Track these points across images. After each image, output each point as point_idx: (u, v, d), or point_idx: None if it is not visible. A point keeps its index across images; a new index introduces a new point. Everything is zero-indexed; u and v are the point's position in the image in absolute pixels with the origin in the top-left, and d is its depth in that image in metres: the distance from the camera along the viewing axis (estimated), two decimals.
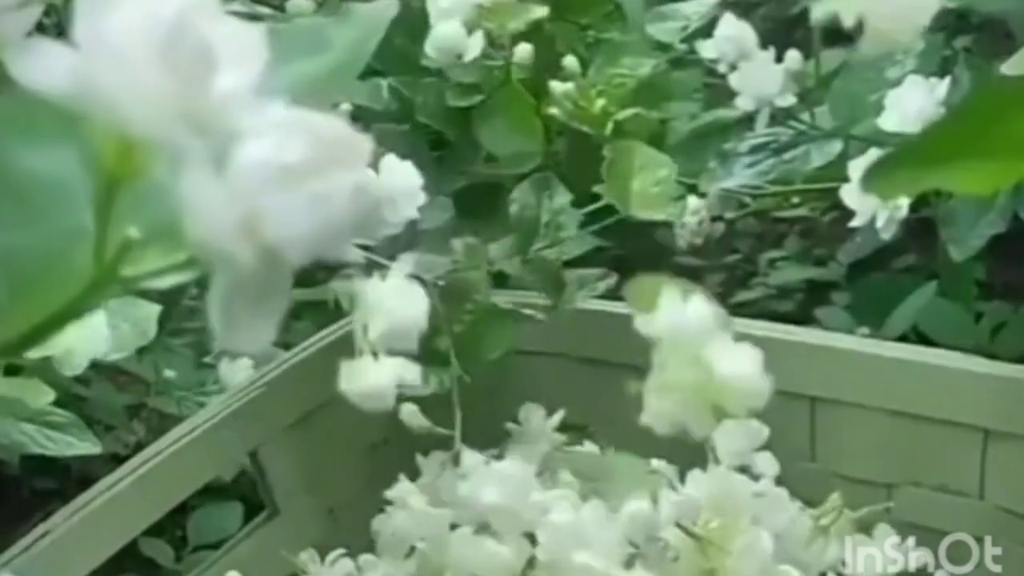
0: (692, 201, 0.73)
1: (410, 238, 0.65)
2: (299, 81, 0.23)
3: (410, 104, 0.71)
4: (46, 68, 0.18)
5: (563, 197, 0.66)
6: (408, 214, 0.63)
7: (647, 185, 0.65)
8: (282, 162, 0.18)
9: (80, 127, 0.20)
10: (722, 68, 0.70)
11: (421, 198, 0.63)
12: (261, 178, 0.18)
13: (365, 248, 0.59)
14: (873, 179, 0.25)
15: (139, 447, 0.66)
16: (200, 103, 0.18)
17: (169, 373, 0.77)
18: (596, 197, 0.65)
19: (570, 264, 0.69)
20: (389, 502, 0.64)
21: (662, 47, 0.76)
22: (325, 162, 0.18)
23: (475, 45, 0.67)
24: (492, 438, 0.71)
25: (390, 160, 0.63)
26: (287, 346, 0.69)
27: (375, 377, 0.47)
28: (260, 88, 0.19)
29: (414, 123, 0.72)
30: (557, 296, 0.65)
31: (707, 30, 0.73)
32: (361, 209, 0.18)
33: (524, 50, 0.68)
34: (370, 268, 0.64)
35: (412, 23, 0.68)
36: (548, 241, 0.65)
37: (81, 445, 0.62)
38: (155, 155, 0.20)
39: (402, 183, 0.62)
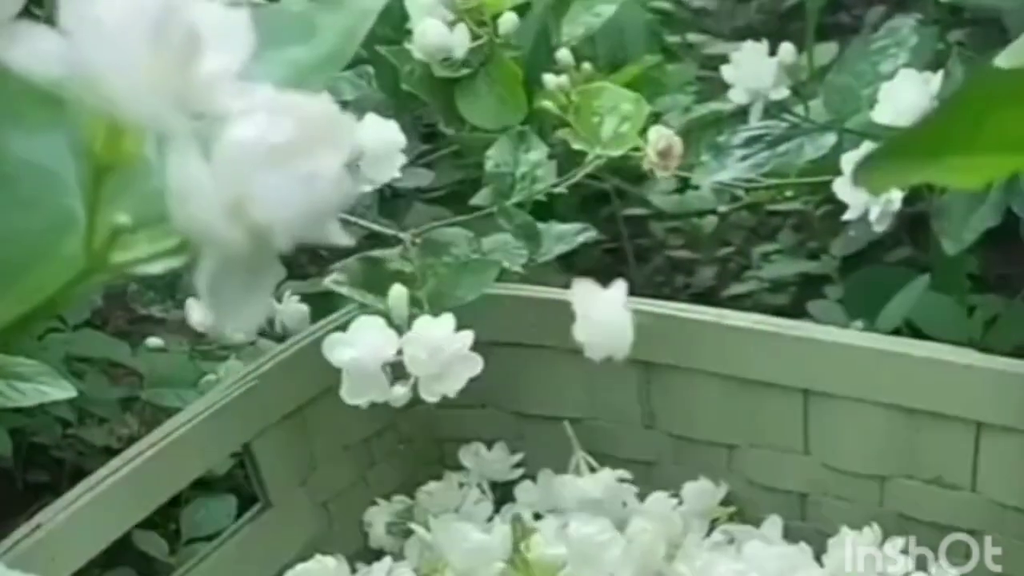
0: (653, 131, 0.69)
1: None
2: (290, 67, 0.23)
3: (395, 72, 0.71)
4: (35, 52, 0.18)
5: (540, 152, 0.67)
6: (390, 174, 0.63)
7: (615, 126, 0.65)
8: (269, 142, 0.18)
9: (68, 114, 0.20)
10: None
11: (401, 158, 0.63)
12: (248, 158, 0.18)
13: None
14: (863, 174, 0.25)
15: (132, 440, 0.65)
16: (187, 85, 0.19)
17: (162, 366, 0.77)
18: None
19: (562, 257, 0.69)
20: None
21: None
22: (311, 142, 0.18)
23: (461, 41, 0.67)
24: (492, 429, 0.71)
25: (372, 119, 0.63)
26: (280, 339, 0.69)
27: None
28: (247, 72, 0.19)
29: (398, 91, 0.72)
30: (534, 246, 0.65)
31: None
32: (346, 188, 0.18)
33: (508, 20, 0.68)
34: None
35: (391, 9, 0.68)
36: (525, 194, 0.65)
37: (54, 391, 0.59)
38: (143, 141, 0.20)
39: (384, 142, 0.62)
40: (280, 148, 0.18)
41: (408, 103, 0.73)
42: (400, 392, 0.58)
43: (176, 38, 0.18)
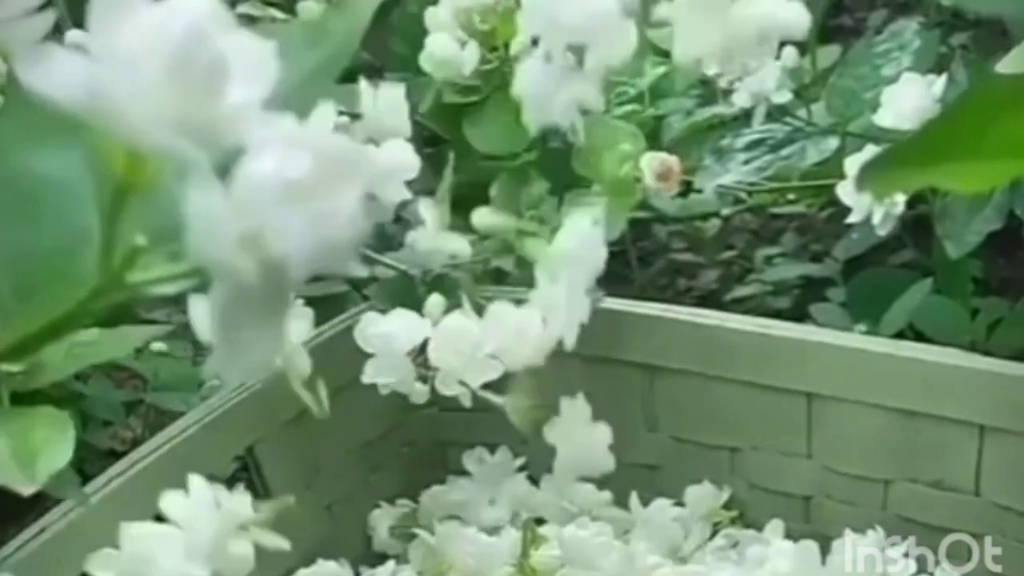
0: (645, 160, 0.66)
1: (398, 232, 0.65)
2: (295, 72, 0.23)
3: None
4: (58, 76, 0.18)
5: (541, 187, 0.67)
6: (400, 195, 0.63)
7: (615, 167, 0.65)
8: (286, 178, 0.18)
9: (87, 132, 0.20)
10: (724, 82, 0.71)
11: (410, 176, 0.63)
12: (265, 193, 0.18)
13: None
14: (867, 178, 0.25)
15: (136, 443, 0.65)
16: (210, 116, 0.18)
17: (166, 370, 0.77)
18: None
19: None
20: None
21: (664, 53, 0.76)
22: (329, 179, 0.18)
23: (470, 58, 0.67)
24: (495, 433, 0.71)
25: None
26: None
27: None
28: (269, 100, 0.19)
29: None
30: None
31: None
32: (363, 225, 0.18)
33: (519, 44, 0.68)
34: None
35: (412, 28, 0.68)
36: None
37: None
38: (165, 165, 0.19)
39: (397, 161, 0.62)
40: (296, 183, 0.18)
41: (418, 124, 0.73)
42: (421, 389, 0.58)
43: (201, 67, 0.18)
